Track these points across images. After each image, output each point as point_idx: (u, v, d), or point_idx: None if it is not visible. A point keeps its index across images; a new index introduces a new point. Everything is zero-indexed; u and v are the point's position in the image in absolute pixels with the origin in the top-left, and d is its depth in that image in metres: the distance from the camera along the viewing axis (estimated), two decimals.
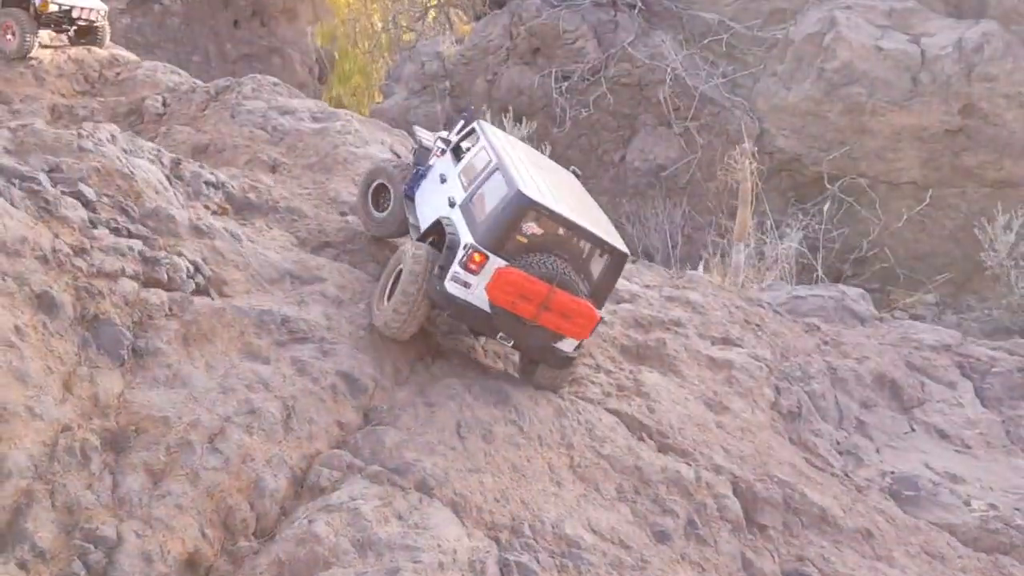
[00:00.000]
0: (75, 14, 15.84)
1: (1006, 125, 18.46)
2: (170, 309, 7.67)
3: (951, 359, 10.56)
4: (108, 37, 16.94)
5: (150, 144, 10.23)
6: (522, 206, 7.75)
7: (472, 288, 7.84)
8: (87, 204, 8.30)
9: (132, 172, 8.99)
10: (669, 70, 20.75)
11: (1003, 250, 16.75)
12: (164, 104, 15.31)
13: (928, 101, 18.77)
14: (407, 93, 23.41)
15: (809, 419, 9.07)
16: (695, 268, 19.88)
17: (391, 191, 9.74)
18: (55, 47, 16.42)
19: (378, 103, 24.43)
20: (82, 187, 8.40)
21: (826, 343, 10.41)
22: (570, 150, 21.78)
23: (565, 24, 21.93)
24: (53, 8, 15.56)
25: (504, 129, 20.61)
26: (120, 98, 15.60)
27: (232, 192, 10.20)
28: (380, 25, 25.67)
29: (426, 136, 10.07)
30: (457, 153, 9.23)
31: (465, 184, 8.51)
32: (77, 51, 16.41)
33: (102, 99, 15.55)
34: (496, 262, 7.76)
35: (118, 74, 16.32)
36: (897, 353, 10.42)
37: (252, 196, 10.33)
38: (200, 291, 8.17)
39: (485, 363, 8.80)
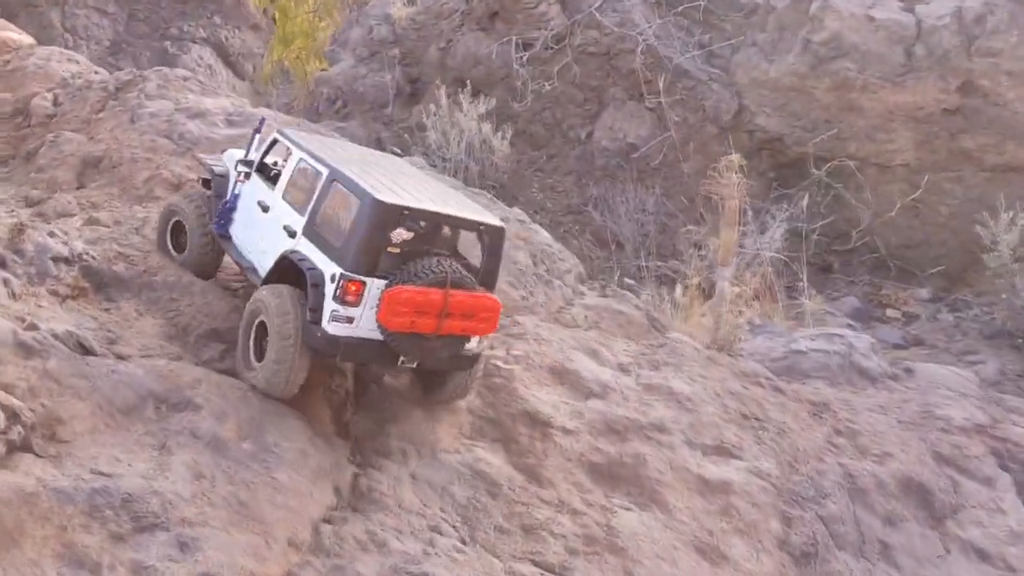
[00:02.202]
0: None
1: (1008, 105, 15.98)
2: None
3: (985, 445, 8.44)
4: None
5: None
6: (385, 213, 6.62)
7: (356, 321, 6.65)
8: None
9: None
10: (640, 39, 17.99)
11: (1006, 250, 14.51)
12: (55, 103, 12.49)
13: (924, 77, 16.22)
14: (354, 60, 20.48)
15: (826, 557, 6.92)
16: (669, 258, 17.59)
17: (188, 230, 8.14)
18: None
19: (323, 70, 21.45)
20: None
21: (839, 432, 8.18)
22: (532, 125, 19.11)
23: None
24: None
25: (461, 105, 17.89)
26: (6, 94, 12.73)
27: (92, 265, 7.62)
28: None
29: (217, 161, 8.44)
30: (265, 172, 7.77)
31: (296, 206, 7.16)
32: None
33: None
34: (375, 284, 6.62)
35: (7, 63, 13.39)
36: (922, 441, 8.25)
37: (120, 267, 7.75)
38: (19, 446, 5.72)
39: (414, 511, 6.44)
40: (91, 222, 9.65)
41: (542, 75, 18.83)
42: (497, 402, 7.55)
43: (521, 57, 18.72)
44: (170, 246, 8.31)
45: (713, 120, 18.05)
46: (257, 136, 8.33)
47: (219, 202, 7.96)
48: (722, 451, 7.34)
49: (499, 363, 7.94)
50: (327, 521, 6.11)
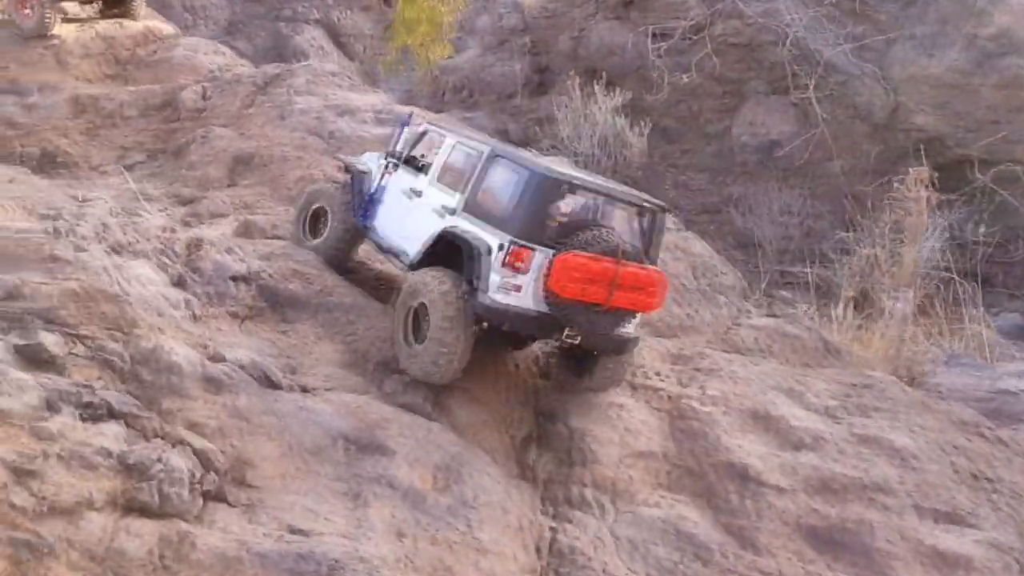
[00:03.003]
0: None
1: None
2: (160, 558, 4.72)
3: None
4: (143, 6, 13.67)
5: (159, 222, 7.10)
6: (550, 185, 6.66)
7: (523, 290, 6.56)
8: (50, 363, 5.30)
9: (124, 292, 5.92)
10: (789, 31, 16.77)
11: None
12: (204, 96, 12.13)
13: None
14: (481, 49, 19.78)
15: None
16: (813, 264, 16.43)
17: (330, 217, 8.18)
18: (81, 21, 13.23)
19: (449, 58, 20.81)
20: (44, 337, 5.37)
21: None
22: (665, 119, 18.09)
23: None
24: None
25: (595, 97, 17.03)
26: (154, 86, 12.44)
27: (268, 283, 7.08)
28: None
29: (360, 161, 8.49)
30: (413, 164, 7.80)
31: (452, 187, 7.16)
32: (106, 25, 13.22)
33: (133, 87, 12.40)
34: (543, 253, 6.54)
35: (153, 52, 13.13)
36: None
37: (296, 286, 7.20)
38: (213, 495, 5.21)
39: None
40: (247, 230, 9.21)
41: (678, 66, 17.78)
42: (696, 450, 6.77)
43: (658, 48, 17.69)
44: (306, 230, 8.33)
45: (865, 118, 16.77)
46: (405, 129, 8.31)
47: (361, 196, 8.02)
48: (955, 518, 6.42)
49: (695, 404, 7.15)
50: None
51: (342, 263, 8.07)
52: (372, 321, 7.10)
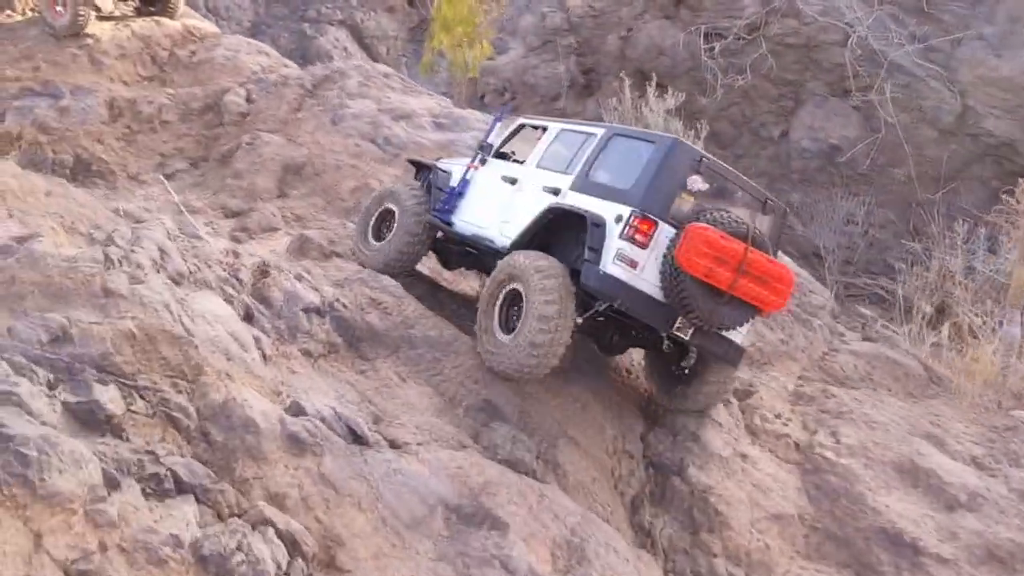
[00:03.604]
0: None
1: None
2: None
3: None
4: (182, 3, 12.71)
5: (221, 245, 6.10)
6: (683, 155, 6.18)
7: (640, 268, 5.98)
8: (106, 425, 4.33)
9: (188, 332, 4.95)
10: (851, 30, 15.69)
11: None
12: (248, 99, 11.16)
13: None
14: (524, 50, 18.75)
15: None
16: (879, 275, 15.40)
17: (397, 217, 7.71)
18: (116, 19, 12.28)
19: (489, 59, 19.79)
20: (99, 392, 4.40)
21: None
22: (717, 122, 17.00)
23: None
24: None
25: (646, 99, 15.99)
26: (194, 89, 11.47)
27: (344, 315, 6.10)
28: None
29: (444, 163, 8.13)
30: (504, 158, 7.45)
31: (558, 169, 6.75)
32: (143, 24, 12.26)
33: (172, 90, 11.43)
34: (664, 231, 6.01)
35: (193, 53, 12.14)
36: None
37: (374, 317, 6.21)
38: None
39: None
40: (302, 246, 8.24)
41: (732, 67, 16.73)
42: (838, 511, 5.78)
43: (711, 48, 16.64)
44: (370, 233, 7.90)
45: (931, 122, 15.67)
46: (498, 124, 7.86)
47: (441, 193, 7.64)
48: None
49: (829, 455, 6.15)
50: None
51: (404, 268, 7.56)
52: (461, 358, 6.11)
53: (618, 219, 5.99)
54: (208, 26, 12.87)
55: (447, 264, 8.23)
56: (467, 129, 10.38)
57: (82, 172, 10.28)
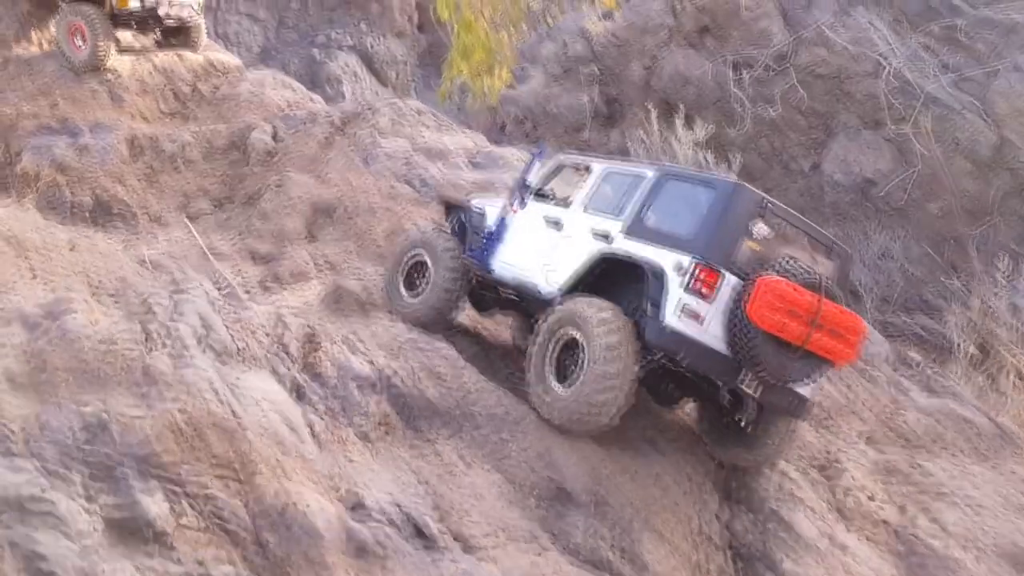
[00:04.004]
0: (162, 11, 11.12)
1: None
2: None
3: None
4: (204, 36, 12.22)
5: (266, 311, 5.52)
6: (748, 201, 5.78)
7: (703, 321, 5.60)
8: (152, 537, 3.76)
9: (238, 418, 4.38)
10: (883, 60, 15.20)
11: None
12: (275, 137, 10.63)
13: None
14: (546, 79, 18.27)
15: None
16: (916, 312, 14.86)
17: (431, 267, 7.22)
18: (137, 52, 11.78)
19: (509, 88, 19.28)
20: (142, 498, 3.83)
21: None
22: (745, 154, 16.49)
23: None
24: (134, 5, 10.88)
25: (675, 131, 15.50)
26: (218, 125, 10.94)
27: (399, 388, 5.53)
28: None
29: (478, 202, 7.67)
30: (544, 198, 6.98)
31: (608, 212, 6.34)
32: (165, 57, 11.75)
33: (195, 127, 10.91)
34: (730, 281, 5.63)
35: (216, 88, 11.62)
36: None
37: (431, 390, 5.63)
38: None
39: None
40: (338, 297, 7.68)
41: (760, 97, 16.23)
42: None
43: (740, 78, 16.15)
44: (401, 285, 7.42)
45: (967, 154, 15.12)
46: (537, 162, 7.34)
47: (478, 237, 7.20)
48: None
49: (935, 543, 5.57)
50: None
51: (445, 320, 7.19)
52: (528, 438, 5.53)
53: (679, 268, 5.64)
54: (231, 59, 12.36)
55: (480, 307, 7.75)
56: (505, 167, 9.85)
57: (102, 214, 9.74)
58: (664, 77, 16.98)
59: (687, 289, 5.55)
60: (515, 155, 10.14)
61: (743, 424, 6.19)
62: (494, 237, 7.08)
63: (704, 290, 5.57)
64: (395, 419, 5.37)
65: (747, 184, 5.94)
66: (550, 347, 5.93)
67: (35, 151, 10.05)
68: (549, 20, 21.55)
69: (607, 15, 18.41)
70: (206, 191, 10.21)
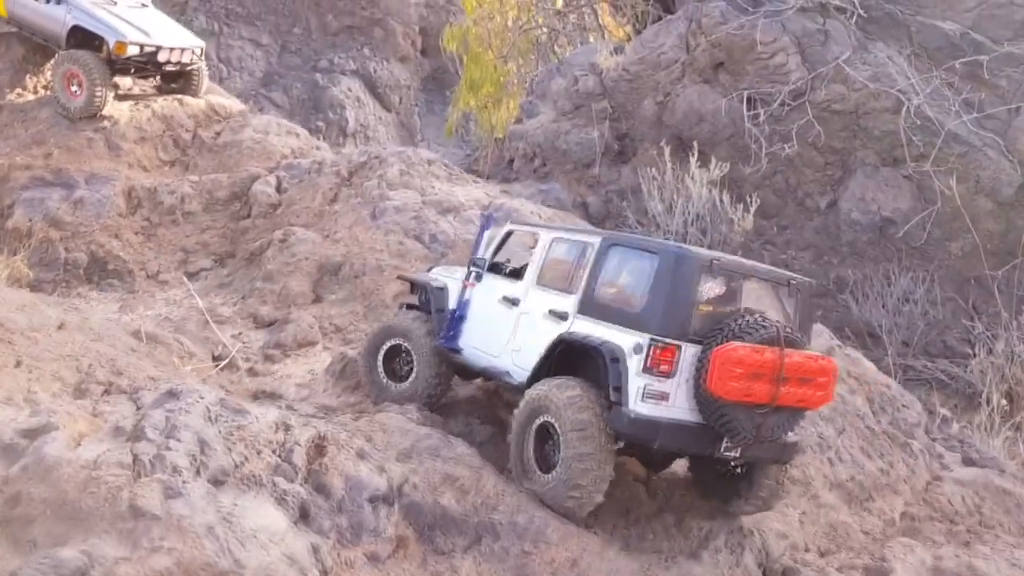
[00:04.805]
0: (162, 57, 10.67)
1: None
2: None
3: None
4: (206, 80, 11.76)
5: (270, 418, 4.97)
6: (693, 266, 5.66)
7: (670, 398, 5.51)
8: None
9: (239, 564, 3.86)
10: (904, 97, 14.75)
11: None
12: (279, 188, 10.15)
13: None
14: (555, 114, 17.77)
15: None
16: (937, 357, 14.36)
17: (412, 353, 7.05)
18: (136, 97, 11.33)
19: (517, 123, 18.84)
20: None
21: None
22: (759, 191, 15.99)
23: (760, 34, 15.93)
24: (133, 51, 10.43)
25: (689, 170, 15.01)
26: (219, 175, 10.47)
27: (414, 499, 5.01)
28: (514, 22, 19.88)
29: (432, 277, 7.42)
30: (499, 270, 6.86)
31: (560, 288, 6.22)
32: (165, 102, 11.30)
33: (195, 177, 10.44)
34: (689, 350, 5.51)
35: (217, 135, 11.17)
36: None
37: (448, 498, 5.11)
38: None
39: None
40: (343, 368, 7.18)
41: (775, 134, 15.74)
42: None
43: (756, 115, 15.67)
44: (383, 376, 7.15)
45: (989, 193, 14.66)
46: (485, 233, 7.28)
47: (442, 316, 6.96)
48: None
49: None
50: None
51: (439, 401, 7.05)
52: (552, 550, 5.03)
53: (636, 349, 5.50)
54: (234, 103, 11.90)
55: (464, 375, 7.38)
56: (519, 222, 9.36)
57: (97, 271, 9.28)
58: (677, 113, 16.49)
59: (647, 371, 5.43)
60: (531, 208, 9.64)
61: (736, 471, 6.21)
62: (457, 317, 6.88)
63: (664, 368, 5.45)
64: (408, 533, 4.84)
65: (688, 247, 5.83)
66: (526, 437, 5.81)
67: (27, 205, 9.61)
68: (557, 51, 21.17)
69: (618, 49, 17.98)
70: (206, 245, 9.73)
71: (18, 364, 5.50)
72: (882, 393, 8.82)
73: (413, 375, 7.02)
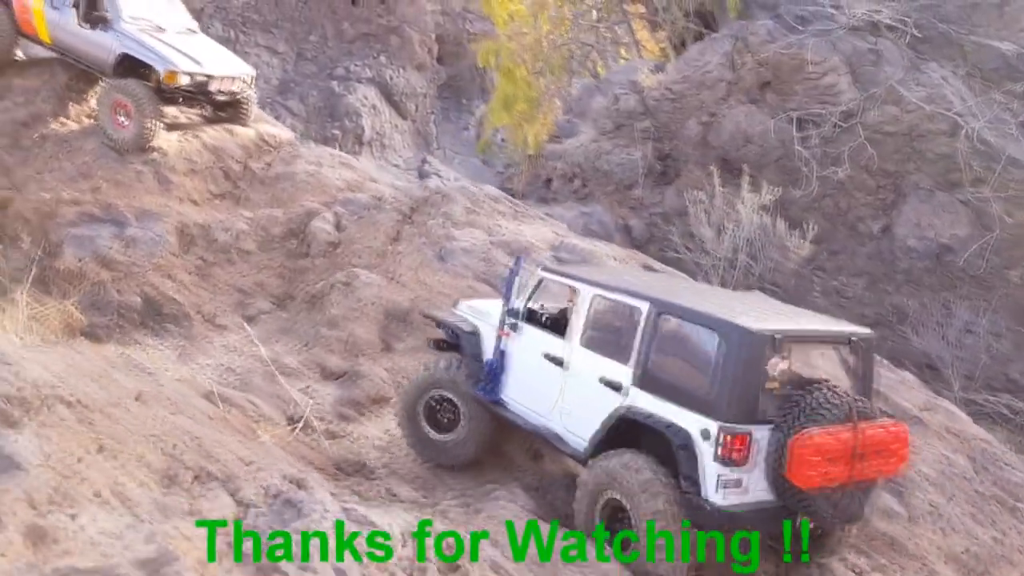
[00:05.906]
0: (213, 87, 10.14)
1: None
2: None
3: None
4: (255, 109, 11.25)
5: (395, 519, 4.44)
6: (758, 344, 5.09)
7: (745, 485, 5.14)
8: None
9: None
10: (960, 120, 14.22)
11: None
12: (337, 225, 9.63)
13: None
14: (595, 133, 17.29)
15: None
16: (1000, 391, 13.82)
17: (458, 404, 6.70)
18: (184, 128, 10.81)
19: (555, 142, 18.32)
20: None
21: None
22: (808, 213, 15.48)
23: (809, 53, 15.42)
24: (183, 80, 9.91)
25: (740, 194, 14.48)
26: (274, 210, 9.95)
27: None
28: (547, 37, 19.33)
29: (460, 318, 6.91)
30: (535, 319, 6.50)
31: (611, 353, 5.75)
32: (214, 132, 10.79)
33: (249, 212, 9.92)
34: (761, 434, 5.10)
35: (268, 166, 10.64)
36: None
37: None
38: None
39: None
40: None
41: (825, 156, 15.23)
42: None
43: (806, 137, 15.16)
44: (425, 425, 6.75)
45: None
46: (516, 279, 6.65)
47: (477, 364, 6.59)
48: None
49: None
50: None
51: (488, 449, 6.77)
52: None
53: (705, 434, 5.14)
54: (283, 132, 11.37)
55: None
56: (592, 263, 8.83)
57: (151, 316, 8.74)
58: (723, 134, 15.99)
59: (720, 460, 5.08)
60: (604, 251, 9.10)
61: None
62: (496, 368, 6.51)
63: (737, 456, 5.11)
64: None
65: (751, 327, 5.20)
66: (595, 515, 5.52)
67: (77, 243, 9.08)
68: (589, 66, 20.63)
69: (659, 67, 17.46)
70: (263, 286, 9.21)
71: (100, 449, 4.97)
72: (983, 450, 8.28)
73: (461, 426, 6.69)
